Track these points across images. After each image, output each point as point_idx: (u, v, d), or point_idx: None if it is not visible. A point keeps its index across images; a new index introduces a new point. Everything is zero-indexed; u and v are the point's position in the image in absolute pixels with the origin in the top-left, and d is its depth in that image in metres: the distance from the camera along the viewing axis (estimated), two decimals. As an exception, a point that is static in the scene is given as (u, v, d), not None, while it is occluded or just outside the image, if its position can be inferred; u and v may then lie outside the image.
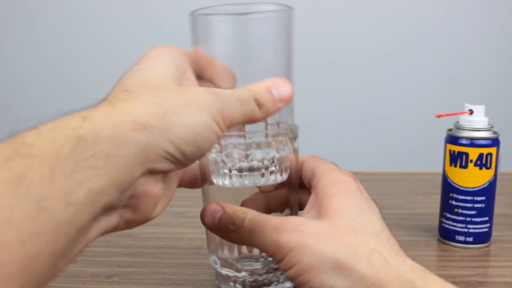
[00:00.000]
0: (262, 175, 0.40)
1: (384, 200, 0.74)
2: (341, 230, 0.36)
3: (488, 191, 0.58)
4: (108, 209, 0.30)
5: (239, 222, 0.38)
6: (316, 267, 0.35)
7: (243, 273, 0.43)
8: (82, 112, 0.29)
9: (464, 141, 0.58)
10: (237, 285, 0.44)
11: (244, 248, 0.44)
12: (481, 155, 0.57)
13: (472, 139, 0.57)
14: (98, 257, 0.55)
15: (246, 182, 0.40)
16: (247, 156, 0.39)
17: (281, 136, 0.40)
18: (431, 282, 0.34)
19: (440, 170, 0.61)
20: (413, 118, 1.23)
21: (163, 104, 0.31)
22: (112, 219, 0.31)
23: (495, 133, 0.58)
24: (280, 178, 0.41)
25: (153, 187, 0.32)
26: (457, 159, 0.58)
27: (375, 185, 0.82)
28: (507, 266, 0.54)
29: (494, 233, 0.60)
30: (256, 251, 0.43)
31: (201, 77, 0.38)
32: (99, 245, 0.58)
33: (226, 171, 0.40)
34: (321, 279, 0.34)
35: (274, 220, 0.37)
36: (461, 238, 0.59)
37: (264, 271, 0.43)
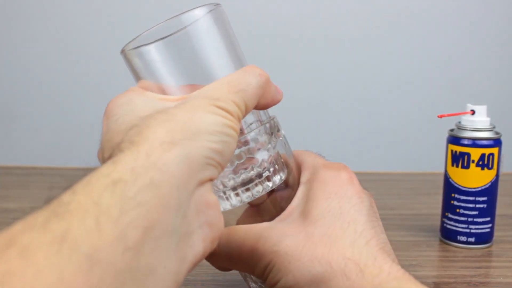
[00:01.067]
0: (259, 183, 0.38)
1: (385, 200, 0.74)
2: (316, 241, 0.35)
3: (490, 191, 0.58)
4: (183, 237, 0.28)
5: (214, 256, 0.37)
6: (294, 287, 0.34)
7: None
8: (109, 161, 0.28)
9: (466, 142, 0.58)
10: None
11: None
12: (483, 155, 0.57)
13: (474, 139, 0.57)
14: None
15: (244, 197, 0.38)
16: (236, 172, 0.38)
17: (264, 135, 0.38)
18: None
19: (442, 171, 0.61)
20: (415, 118, 1.23)
21: (175, 119, 0.30)
22: (196, 246, 0.30)
23: (497, 133, 0.58)
24: (279, 178, 0.39)
25: (210, 196, 0.31)
26: (459, 160, 0.58)
27: (376, 185, 0.82)
28: (509, 267, 0.54)
29: (496, 234, 0.60)
30: None
31: None
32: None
33: (221, 194, 0.38)
34: None
35: (248, 244, 0.36)
36: (463, 238, 0.59)
37: None
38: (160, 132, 0.29)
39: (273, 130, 0.39)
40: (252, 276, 0.41)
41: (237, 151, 0.37)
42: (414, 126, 1.24)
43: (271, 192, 0.40)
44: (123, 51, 0.36)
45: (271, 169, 0.39)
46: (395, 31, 1.22)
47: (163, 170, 0.27)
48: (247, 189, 0.38)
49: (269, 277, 0.36)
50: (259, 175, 0.38)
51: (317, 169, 0.39)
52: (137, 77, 0.37)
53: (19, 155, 1.17)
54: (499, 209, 0.60)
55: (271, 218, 0.38)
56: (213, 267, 0.50)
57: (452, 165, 0.58)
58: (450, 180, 0.59)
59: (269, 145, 0.38)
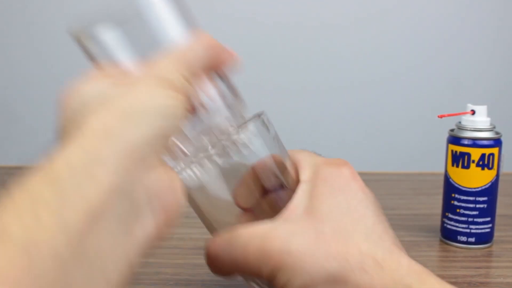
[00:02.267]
0: (223, 151, 0.37)
1: (386, 200, 0.74)
2: (328, 237, 0.34)
3: (490, 191, 0.58)
4: (132, 221, 0.28)
5: (218, 262, 0.36)
6: (310, 286, 0.33)
7: None
8: (46, 157, 0.28)
9: (466, 142, 0.58)
10: None
11: None
12: (483, 155, 0.57)
13: (474, 139, 0.57)
14: (100, 257, 0.55)
15: (208, 167, 0.37)
16: (198, 142, 0.36)
17: (223, 104, 0.37)
18: (429, 286, 0.33)
19: (442, 171, 0.61)
20: (415, 119, 1.23)
21: (114, 106, 0.29)
22: (148, 228, 0.29)
23: (497, 133, 0.58)
24: (243, 145, 0.37)
25: (161, 179, 0.30)
26: (459, 160, 0.58)
27: (377, 185, 0.82)
28: (509, 267, 0.54)
29: (496, 234, 0.60)
30: None
31: None
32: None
33: (186, 167, 0.37)
34: None
35: (254, 245, 0.35)
36: (463, 238, 0.59)
37: None
38: (98, 122, 0.29)
39: (235, 95, 0.38)
40: (258, 279, 0.40)
41: (195, 122, 0.36)
42: (414, 126, 1.24)
43: (267, 193, 0.39)
44: (73, 33, 0.35)
45: (234, 137, 0.37)
46: (395, 31, 1.22)
47: (101, 161, 0.27)
48: (211, 159, 0.37)
49: (277, 277, 0.34)
50: (223, 144, 0.37)
51: (318, 167, 0.38)
52: (92, 58, 0.36)
53: (19, 155, 1.17)
54: (499, 209, 0.60)
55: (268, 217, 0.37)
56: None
57: (452, 165, 0.58)
58: (450, 180, 0.59)
59: (229, 113, 0.37)
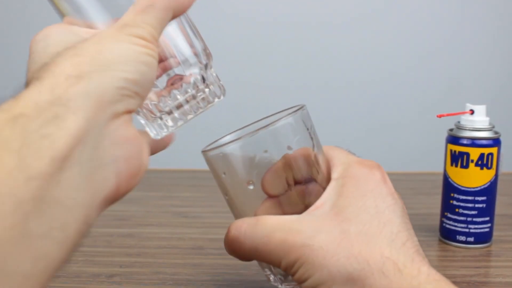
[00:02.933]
0: (194, 105, 0.37)
1: (385, 200, 0.74)
2: (353, 237, 0.34)
3: (489, 191, 0.58)
4: (94, 170, 0.27)
5: (236, 245, 0.37)
6: (328, 282, 0.33)
7: None
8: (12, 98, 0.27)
9: (465, 141, 0.58)
10: None
11: None
12: (482, 155, 0.57)
13: (473, 139, 0.57)
14: (99, 257, 0.55)
15: (180, 120, 0.37)
16: (169, 95, 0.36)
17: (192, 55, 0.37)
18: None
19: (441, 170, 0.61)
20: (414, 118, 1.23)
21: (84, 52, 0.29)
22: (108, 180, 0.29)
23: (496, 133, 0.58)
24: (215, 98, 0.38)
25: (127, 130, 0.30)
26: (458, 159, 0.58)
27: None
28: (508, 266, 0.54)
29: (495, 233, 0.60)
30: None
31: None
32: (100, 245, 0.58)
33: (158, 120, 0.37)
34: None
35: (276, 236, 0.35)
36: (462, 238, 0.59)
37: None
38: (67, 66, 0.28)
39: (206, 52, 0.38)
40: (273, 268, 0.40)
41: (164, 75, 0.36)
42: (413, 126, 1.24)
43: (297, 185, 0.39)
44: None
45: (206, 90, 0.37)
46: (393, 31, 1.22)
47: (68, 104, 0.26)
48: (183, 112, 0.37)
49: (298, 271, 0.34)
50: (194, 97, 0.37)
51: (350, 166, 0.38)
52: (61, 14, 0.36)
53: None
54: (498, 209, 0.60)
55: (294, 212, 0.37)
56: (212, 267, 0.51)
57: (451, 164, 0.58)
58: (449, 179, 0.59)
59: (200, 65, 0.37)
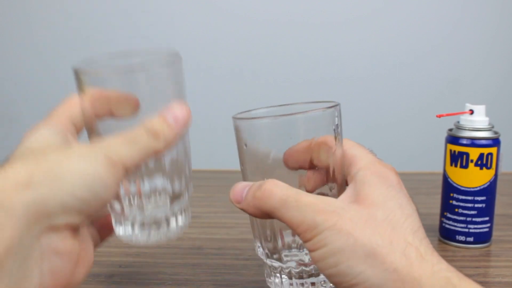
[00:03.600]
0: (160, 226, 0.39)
1: (384, 200, 0.74)
2: (379, 220, 0.35)
3: (489, 191, 0.58)
4: (19, 280, 0.28)
5: (267, 193, 0.37)
6: (347, 252, 0.33)
7: (289, 264, 0.41)
8: None
9: (464, 141, 0.58)
10: (283, 276, 0.42)
11: (288, 238, 0.42)
12: (481, 155, 0.57)
13: (472, 139, 0.57)
14: (99, 257, 0.55)
15: (146, 235, 0.39)
16: (141, 208, 0.38)
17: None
18: (467, 282, 0.33)
19: (441, 170, 0.61)
20: (413, 118, 1.23)
21: (46, 160, 0.30)
22: (31, 285, 0.29)
23: (495, 133, 0.58)
24: (180, 225, 0.41)
25: (62, 244, 0.31)
26: (457, 159, 0.58)
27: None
28: (507, 266, 0.54)
29: (494, 233, 0.60)
30: (299, 241, 0.41)
31: (101, 117, 0.37)
32: (100, 245, 0.58)
33: (129, 225, 0.39)
34: (350, 264, 0.33)
35: (309, 198, 0.36)
36: (462, 238, 0.59)
37: (311, 261, 0.41)
38: (21, 172, 0.29)
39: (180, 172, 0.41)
40: (263, 241, 0.41)
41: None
42: (412, 126, 1.24)
43: (315, 169, 0.40)
44: (80, 71, 0.36)
45: (178, 216, 0.41)
46: (394, 31, 1.22)
47: (8, 212, 0.28)
48: (152, 228, 0.39)
49: (318, 236, 0.34)
50: (164, 217, 0.40)
51: (372, 163, 0.40)
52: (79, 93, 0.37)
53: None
54: (498, 209, 0.60)
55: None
56: (212, 267, 0.51)
57: (451, 164, 0.58)
58: (449, 179, 0.59)
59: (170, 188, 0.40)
